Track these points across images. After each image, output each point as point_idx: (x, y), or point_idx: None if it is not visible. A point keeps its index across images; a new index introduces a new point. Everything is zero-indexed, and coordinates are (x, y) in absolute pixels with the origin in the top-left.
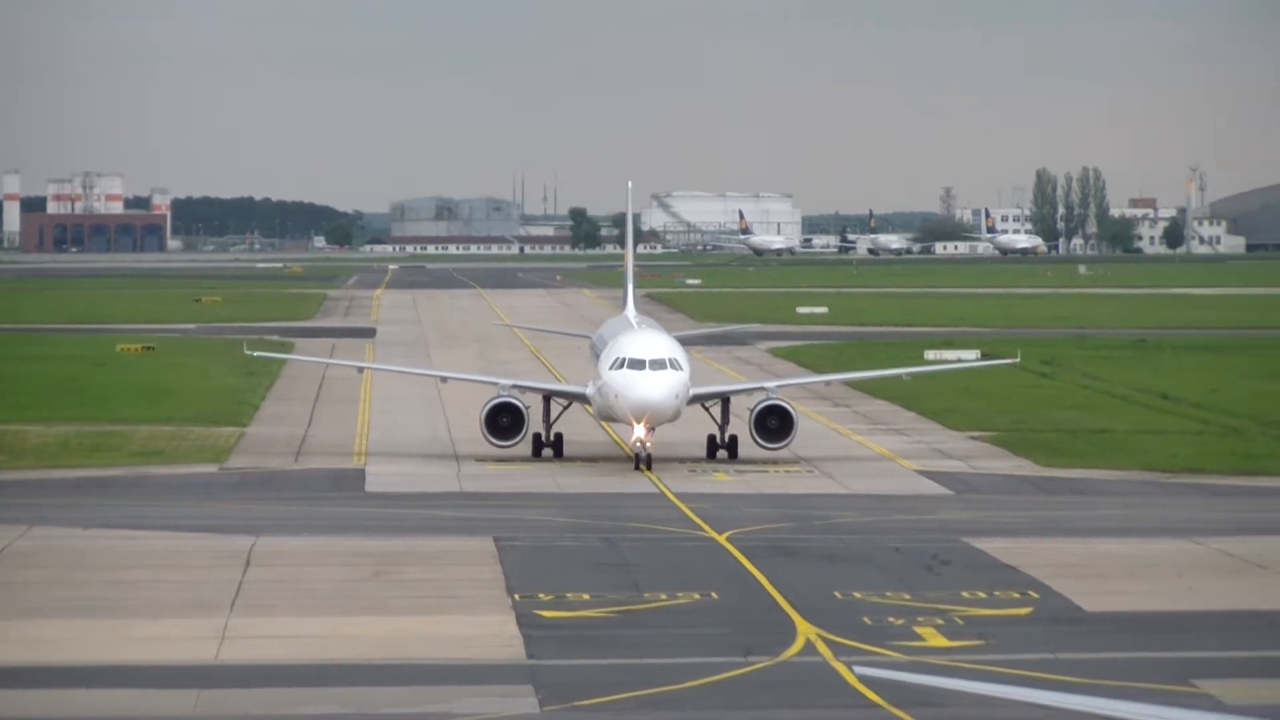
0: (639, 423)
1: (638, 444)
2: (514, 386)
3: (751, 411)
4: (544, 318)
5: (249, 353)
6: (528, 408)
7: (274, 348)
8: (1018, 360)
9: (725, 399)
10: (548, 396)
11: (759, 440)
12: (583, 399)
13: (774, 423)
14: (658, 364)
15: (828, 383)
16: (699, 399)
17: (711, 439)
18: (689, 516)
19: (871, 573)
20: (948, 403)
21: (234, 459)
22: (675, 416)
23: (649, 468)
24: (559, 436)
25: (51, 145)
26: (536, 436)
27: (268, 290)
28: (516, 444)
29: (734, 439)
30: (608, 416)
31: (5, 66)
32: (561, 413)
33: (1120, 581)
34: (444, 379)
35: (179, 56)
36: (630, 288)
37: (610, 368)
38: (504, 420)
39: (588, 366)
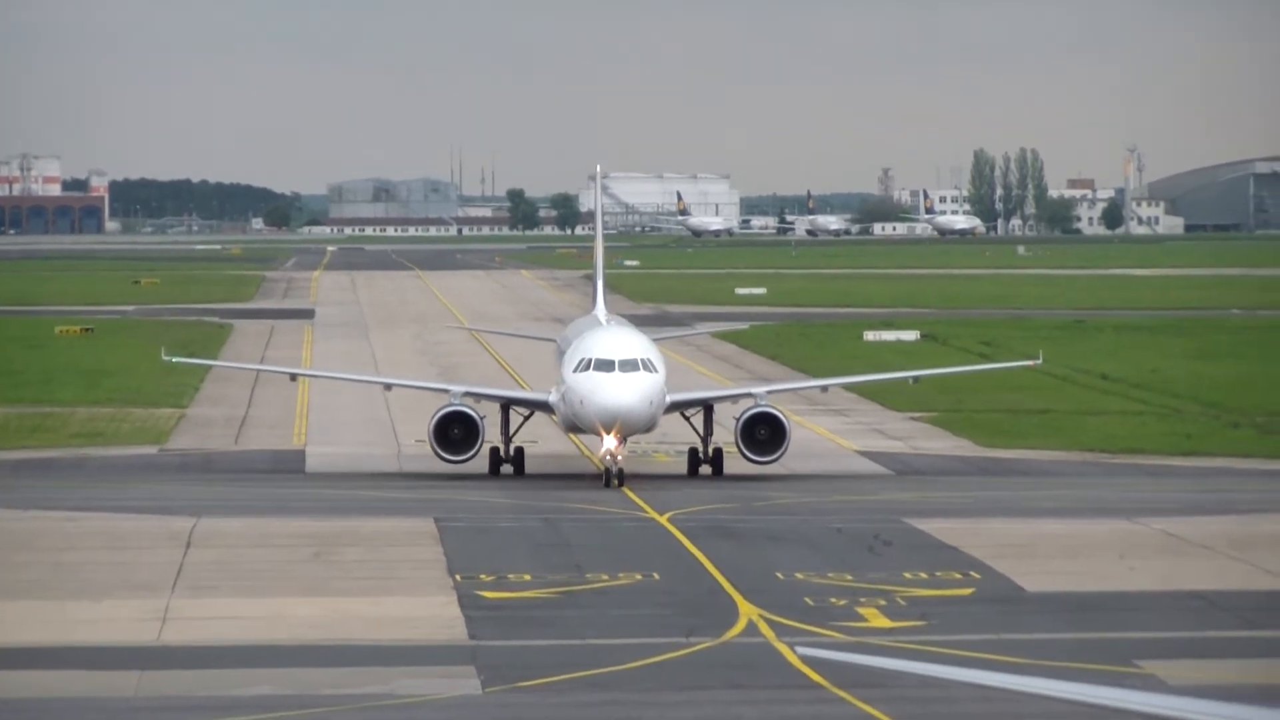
0: (608, 432)
1: (607, 457)
2: (467, 394)
3: (738, 420)
4: (483, 299)
5: (166, 359)
6: (483, 418)
7: (209, 332)
8: (1039, 362)
9: (708, 406)
10: (506, 405)
11: (746, 453)
12: (546, 407)
13: (763, 433)
14: (628, 365)
15: (824, 389)
16: (677, 406)
17: (693, 452)
18: (630, 497)
19: (813, 553)
20: (888, 383)
21: (174, 440)
22: (650, 426)
23: (621, 484)
24: (520, 451)
25: None
26: (494, 451)
27: (207, 272)
28: (470, 459)
29: (719, 452)
30: (574, 426)
31: None
32: (523, 423)
33: (1061, 562)
34: (388, 386)
35: (115, 37)
36: (600, 284)
37: (575, 370)
38: (455, 432)
39: (549, 365)
